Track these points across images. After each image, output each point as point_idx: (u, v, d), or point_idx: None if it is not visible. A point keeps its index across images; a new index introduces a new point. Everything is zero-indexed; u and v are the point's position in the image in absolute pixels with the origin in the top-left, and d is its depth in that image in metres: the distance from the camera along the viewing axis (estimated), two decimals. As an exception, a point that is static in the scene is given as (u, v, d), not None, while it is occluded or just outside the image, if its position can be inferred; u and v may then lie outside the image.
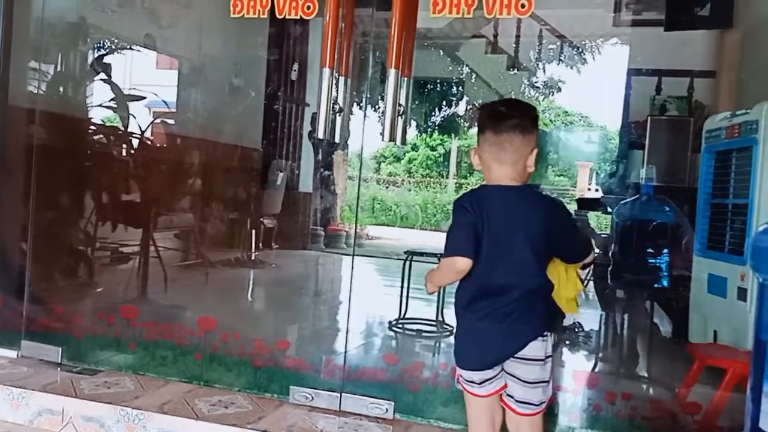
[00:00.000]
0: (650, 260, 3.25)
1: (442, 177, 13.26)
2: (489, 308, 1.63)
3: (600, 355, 3.53)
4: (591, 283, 4.68)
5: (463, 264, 1.62)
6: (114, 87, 4.03)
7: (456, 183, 12.63)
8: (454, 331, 1.75)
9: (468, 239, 1.62)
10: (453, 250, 1.64)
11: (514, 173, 1.66)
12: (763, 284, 0.97)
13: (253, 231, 5.78)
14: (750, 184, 2.86)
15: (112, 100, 4.03)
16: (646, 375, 3.13)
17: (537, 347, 1.63)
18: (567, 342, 3.59)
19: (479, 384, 1.68)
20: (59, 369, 2.64)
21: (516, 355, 1.63)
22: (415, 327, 3.83)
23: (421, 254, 4.02)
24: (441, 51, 7.77)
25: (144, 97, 4.25)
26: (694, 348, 2.76)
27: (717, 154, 3.25)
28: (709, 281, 3.13)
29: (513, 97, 7.98)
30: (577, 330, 3.74)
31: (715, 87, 4.76)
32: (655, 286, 3.26)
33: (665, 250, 3.26)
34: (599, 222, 5.74)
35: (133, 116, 4.06)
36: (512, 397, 1.68)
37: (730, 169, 3.12)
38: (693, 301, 3.26)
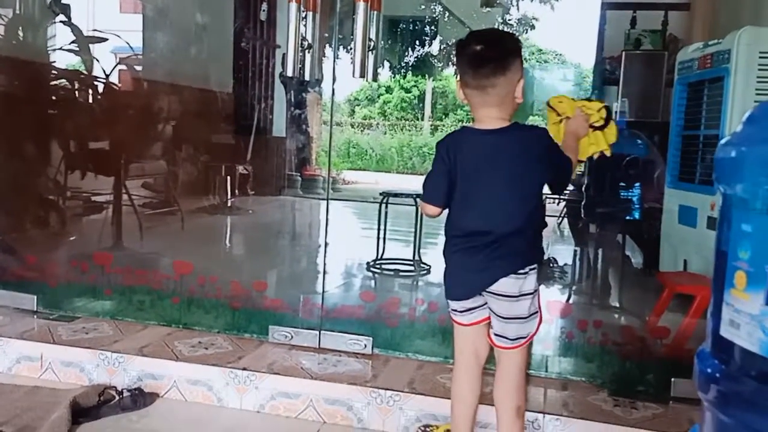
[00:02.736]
0: (622, 193, 3.29)
1: (417, 119, 13.16)
2: (464, 244, 1.65)
3: (574, 287, 3.61)
4: (565, 219, 4.76)
5: (431, 210, 1.68)
6: (74, 29, 3.87)
7: (431, 125, 12.56)
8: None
9: (438, 187, 1.65)
10: (424, 196, 1.70)
11: (501, 112, 1.62)
12: (726, 194, 0.98)
13: (228, 177, 5.72)
14: (721, 114, 2.88)
15: (73, 42, 3.88)
16: (617, 305, 3.22)
17: (509, 284, 1.63)
18: (542, 277, 3.65)
19: (461, 312, 1.72)
20: (35, 317, 2.63)
21: (489, 290, 1.65)
22: (392, 267, 3.87)
23: (396, 195, 4.03)
24: (414, -12, 7.59)
25: (106, 39, 4.10)
26: (664, 276, 2.83)
27: (689, 86, 3.26)
28: (680, 212, 3.18)
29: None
30: (552, 265, 3.82)
31: (689, 19, 4.73)
32: (627, 218, 3.31)
33: (637, 184, 3.31)
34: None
35: (97, 60, 3.93)
36: (492, 330, 1.70)
37: (701, 101, 3.13)
38: (664, 232, 3.33)
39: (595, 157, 1.82)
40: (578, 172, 4.22)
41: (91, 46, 4.09)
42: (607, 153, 1.81)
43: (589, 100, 1.83)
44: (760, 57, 2.77)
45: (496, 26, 8.29)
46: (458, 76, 1.65)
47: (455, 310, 1.73)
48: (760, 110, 0.99)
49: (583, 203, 3.36)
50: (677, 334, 2.30)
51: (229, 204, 5.70)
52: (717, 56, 2.97)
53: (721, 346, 0.92)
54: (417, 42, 10.24)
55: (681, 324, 2.34)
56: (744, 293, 0.88)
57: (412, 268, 3.86)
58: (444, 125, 12.04)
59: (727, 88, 2.85)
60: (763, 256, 0.87)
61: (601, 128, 1.80)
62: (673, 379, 2.07)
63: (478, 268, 1.64)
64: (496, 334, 1.69)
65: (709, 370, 0.95)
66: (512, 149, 1.63)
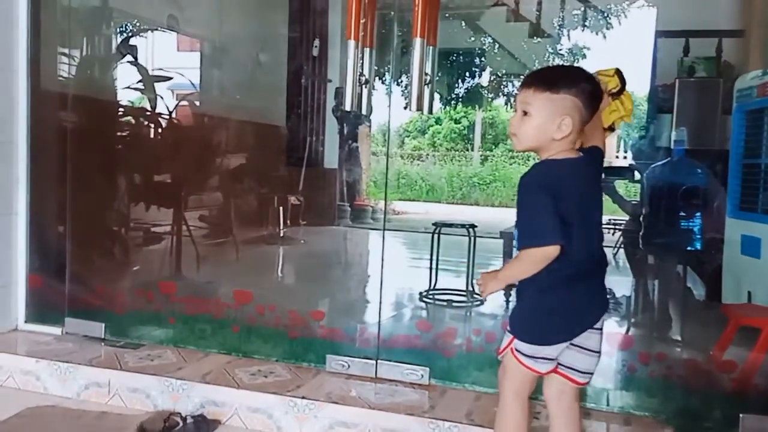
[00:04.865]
0: (682, 223, 3.23)
1: (467, 150, 13.14)
2: (583, 280, 1.60)
3: (633, 320, 3.53)
4: (620, 249, 4.68)
5: (556, 252, 1.52)
6: (141, 68, 4.07)
7: (481, 155, 12.52)
8: (530, 305, 1.64)
9: (558, 223, 1.51)
10: (545, 238, 1.52)
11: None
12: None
13: (281, 208, 5.85)
14: (784, 142, 2.82)
15: (139, 81, 4.07)
16: (679, 338, 3.13)
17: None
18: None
19: (551, 360, 1.63)
20: (103, 344, 2.72)
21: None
22: (445, 297, 3.86)
23: (449, 225, 4.04)
24: (462, 22, 7.68)
25: (171, 77, 4.29)
26: (729, 308, 2.75)
27: (748, 114, 3.20)
28: (743, 242, 3.10)
29: (537, 65, 7.87)
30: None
31: (743, 46, 4.65)
32: (688, 249, 3.24)
33: (697, 213, 3.24)
34: (627, 189, 5.70)
35: (161, 97, 4.11)
36: (575, 369, 1.64)
37: (762, 129, 3.07)
38: (726, 262, 3.24)
39: (616, 125, 1.77)
40: (634, 202, 4.15)
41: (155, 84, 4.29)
42: (627, 120, 1.77)
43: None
44: (823, 84, 2.71)
45: (546, 56, 8.29)
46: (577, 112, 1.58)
47: (546, 358, 1.62)
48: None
49: (641, 233, 3.31)
50: (744, 368, 2.23)
51: (281, 234, 5.81)
52: (778, 84, 2.91)
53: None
54: (467, 74, 10.28)
55: (748, 357, 2.27)
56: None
57: (465, 298, 3.85)
58: (494, 155, 11.99)
59: (789, 116, 2.79)
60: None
61: (618, 94, 1.76)
62: (741, 415, 2.00)
63: (594, 301, 1.63)
64: (583, 372, 1.64)
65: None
66: (592, 174, 1.65)
